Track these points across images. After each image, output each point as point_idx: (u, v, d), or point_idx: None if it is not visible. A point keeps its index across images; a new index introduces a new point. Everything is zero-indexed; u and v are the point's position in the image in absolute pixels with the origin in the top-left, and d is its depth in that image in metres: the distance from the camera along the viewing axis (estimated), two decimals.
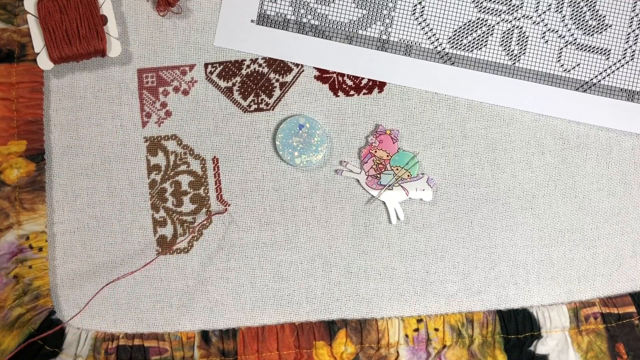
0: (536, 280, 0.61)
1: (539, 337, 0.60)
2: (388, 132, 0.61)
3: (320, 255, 0.61)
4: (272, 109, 0.61)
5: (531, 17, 0.61)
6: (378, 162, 0.61)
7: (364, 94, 0.61)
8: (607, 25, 0.61)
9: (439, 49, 0.61)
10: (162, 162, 0.61)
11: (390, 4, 0.61)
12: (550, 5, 0.61)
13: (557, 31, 0.61)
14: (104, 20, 0.59)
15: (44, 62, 0.59)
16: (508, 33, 0.61)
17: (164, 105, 0.61)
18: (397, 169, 0.61)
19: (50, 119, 0.61)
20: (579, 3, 0.61)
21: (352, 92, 0.61)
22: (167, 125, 0.61)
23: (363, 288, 0.61)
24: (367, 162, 0.61)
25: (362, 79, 0.61)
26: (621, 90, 0.61)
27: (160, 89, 0.61)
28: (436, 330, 0.60)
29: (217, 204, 0.61)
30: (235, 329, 0.60)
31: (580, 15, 0.61)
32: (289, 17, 0.61)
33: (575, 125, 0.61)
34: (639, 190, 0.61)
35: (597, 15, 0.61)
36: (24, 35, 0.59)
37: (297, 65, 0.61)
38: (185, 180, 0.61)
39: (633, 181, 0.61)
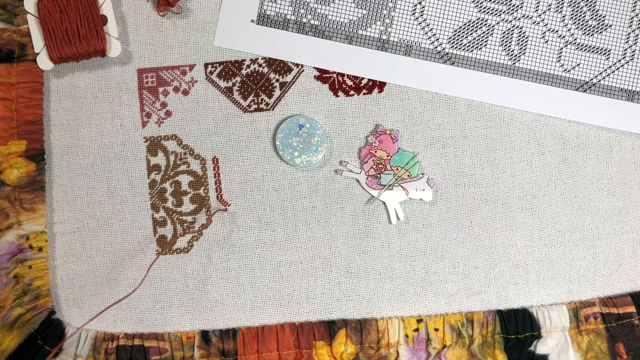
0: (536, 280, 0.61)
1: (539, 337, 0.60)
2: (388, 132, 0.61)
3: (320, 255, 0.61)
4: (272, 109, 0.61)
5: (531, 17, 0.61)
6: (378, 162, 0.61)
7: (364, 94, 0.61)
8: (607, 25, 0.61)
9: (439, 49, 0.61)
10: (162, 162, 0.61)
11: (390, 4, 0.61)
12: (550, 5, 0.61)
13: (557, 31, 0.61)
14: (104, 20, 0.59)
15: (44, 62, 0.59)
16: (508, 33, 0.61)
17: (164, 105, 0.61)
18: (397, 169, 0.61)
19: (50, 119, 0.61)
20: (579, 3, 0.61)
21: (352, 92, 0.61)
22: (167, 125, 0.61)
23: (363, 288, 0.61)
24: (367, 162, 0.61)
25: (362, 79, 0.61)
26: (621, 90, 0.61)
27: (160, 89, 0.61)
28: (436, 330, 0.60)
29: (217, 204, 0.61)
30: (235, 329, 0.60)
31: (580, 15, 0.61)
32: (289, 17, 0.61)
33: (575, 125, 0.61)
34: (639, 190, 0.61)
35: (597, 15, 0.61)
36: (24, 35, 0.59)
37: (297, 65, 0.61)
38: (185, 180, 0.61)
39: (633, 181, 0.61)
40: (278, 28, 0.61)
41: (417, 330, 0.60)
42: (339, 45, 0.61)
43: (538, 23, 0.61)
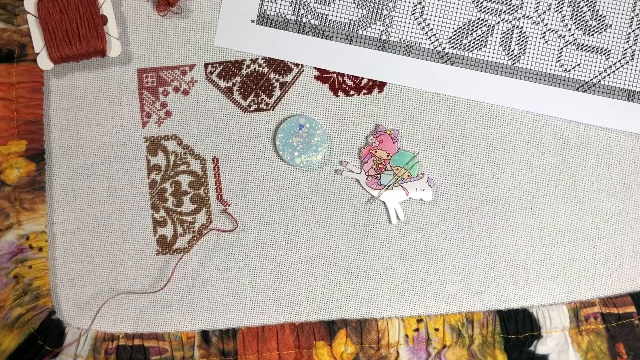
0: (536, 280, 0.61)
1: (539, 337, 0.60)
2: (388, 132, 0.61)
3: (320, 255, 0.61)
4: (272, 109, 0.61)
5: (531, 17, 0.61)
6: (378, 162, 0.61)
7: (364, 94, 0.61)
8: (607, 25, 0.61)
9: (439, 49, 0.61)
10: (162, 162, 0.61)
11: (390, 4, 0.61)
12: (550, 5, 0.61)
13: (557, 31, 0.61)
14: (104, 20, 0.59)
15: (44, 62, 0.59)
16: (508, 33, 0.61)
17: (164, 105, 0.61)
18: (397, 169, 0.61)
19: (50, 119, 0.61)
20: (579, 3, 0.61)
21: (352, 92, 0.61)
22: (167, 125, 0.61)
23: (363, 288, 0.61)
24: (367, 162, 0.61)
25: (362, 79, 0.61)
26: (621, 90, 0.61)
27: (160, 89, 0.61)
28: (436, 330, 0.60)
29: (217, 204, 0.61)
30: (235, 329, 0.60)
31: (580, 15, 0.61)
32: (289, 17, 0.61)
33: (575, 125, 0.61)
34: (639, 190, 0.61)
35: (597, 15, 0.61)
36: (24, 35, 0.59)
37: (297, 65, 0.61)
38: (185, 180, 0.61)
39: (633, 181, 0.61)
40: (278, 28, 0.61)
41: (417, 330, 0.60)
42: (339, 45, 0.61)
43: (538, 23, 0.61)
